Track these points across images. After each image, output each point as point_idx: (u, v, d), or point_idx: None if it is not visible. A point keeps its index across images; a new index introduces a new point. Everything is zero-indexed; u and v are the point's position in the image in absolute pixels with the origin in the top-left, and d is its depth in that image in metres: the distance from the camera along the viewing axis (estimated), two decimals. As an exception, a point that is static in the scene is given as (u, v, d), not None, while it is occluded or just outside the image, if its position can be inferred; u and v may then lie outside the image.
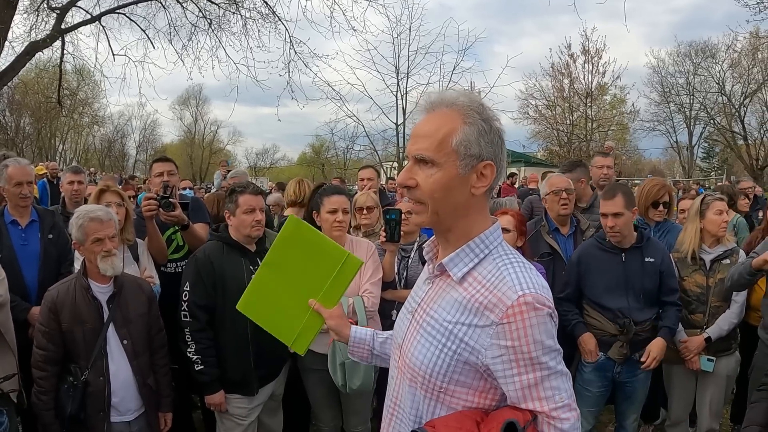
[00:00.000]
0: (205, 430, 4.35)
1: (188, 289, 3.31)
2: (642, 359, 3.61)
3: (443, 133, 1.42)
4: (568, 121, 34.06)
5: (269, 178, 33.00)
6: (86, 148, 48.13)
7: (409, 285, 3.67)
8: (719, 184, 16.29)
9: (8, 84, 16.21)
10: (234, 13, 13.82)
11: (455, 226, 1.49)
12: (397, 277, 3.77)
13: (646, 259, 3.64)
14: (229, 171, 9.62)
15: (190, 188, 8.13)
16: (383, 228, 3.48)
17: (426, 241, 1.70)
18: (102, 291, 3.07)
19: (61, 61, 14.70)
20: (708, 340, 3.79)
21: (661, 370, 4.10)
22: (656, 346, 3.61)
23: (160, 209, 3.77)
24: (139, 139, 50.24)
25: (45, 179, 11.18)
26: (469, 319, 1.42)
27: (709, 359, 3.82)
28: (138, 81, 14.30)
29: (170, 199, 3.78)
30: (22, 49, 13.07)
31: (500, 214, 3.63)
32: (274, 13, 13.69)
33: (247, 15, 13.83)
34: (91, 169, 26.29)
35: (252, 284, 2.00)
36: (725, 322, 3.82)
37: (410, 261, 3.80)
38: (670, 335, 3.69)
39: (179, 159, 48.27)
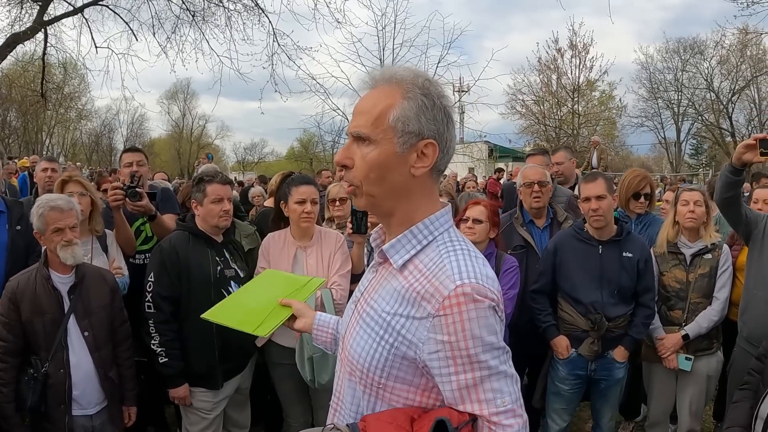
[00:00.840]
0: (178, 425, 4.29)
1: (152, 279, 3.25)
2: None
3: (380, 108, 1.33)
4: (555, 117, 34.09)
5: (258, 173, 32.85)
6: (74, 143, 47.66)
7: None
8: (707, 180, 16.34)
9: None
10: (218, 5, 13.71)
11: (396, 210, 1.39)
12: (366, 268, 3.71)
13: (624, 254, 3.53)
14: (201, 164, 9.54)
15: (166, 180, 8.04)
16: (350, 219, 3.42)
17: None
18: (63, 281, 3.01)
19: (44, 53, 14.57)
20: (686, 337, 3.68)
21: (640, 368, 4.03)
22: (619, 351, 3.58)
23: (127, 199, 3.71)
24: (126, 134, 49.64)
25: (26, 172, 11.05)
26: (407, 310, 1.31)
27: (687, 358, 3.70)
28: (121, 74, 14.18)
29: (137, 189, 3.71)
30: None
31: (472, 204, 3.57)
32: (257, 5, 13.59)
33: (232, 7, 13.75)
34: (78, 163, 26.05)
35: (223, 301, 2.12)
36: (705, 319, 3.68)
37: (380, 252, 3.73)
38: (633, 345, 3.62)
39: (167, 153, 47.97)
